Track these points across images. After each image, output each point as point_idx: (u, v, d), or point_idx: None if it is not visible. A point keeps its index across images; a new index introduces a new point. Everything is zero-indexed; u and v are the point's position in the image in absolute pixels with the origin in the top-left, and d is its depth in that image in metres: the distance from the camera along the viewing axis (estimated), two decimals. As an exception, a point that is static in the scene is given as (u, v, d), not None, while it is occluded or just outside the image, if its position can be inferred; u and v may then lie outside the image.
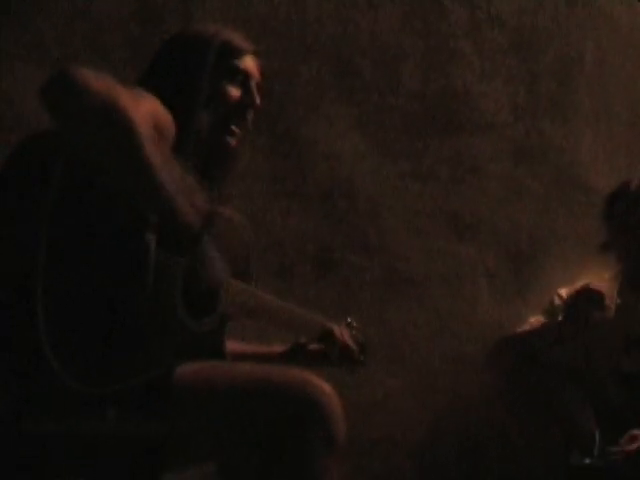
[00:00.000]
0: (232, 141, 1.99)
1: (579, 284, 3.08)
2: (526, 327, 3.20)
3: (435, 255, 3.33)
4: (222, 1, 3.10)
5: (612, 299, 3.00)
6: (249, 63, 2.05)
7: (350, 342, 2.33)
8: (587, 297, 2.93)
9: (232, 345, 2.08)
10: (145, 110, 1.63)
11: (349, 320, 2.43)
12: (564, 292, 3.14)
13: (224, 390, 1.74)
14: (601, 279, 3.12)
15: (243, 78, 2.02)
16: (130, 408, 1.65)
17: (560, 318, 3.05)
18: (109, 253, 1.61)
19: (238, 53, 2.03)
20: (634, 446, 2.79)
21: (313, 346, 2.30)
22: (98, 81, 1.57)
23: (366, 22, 3.31)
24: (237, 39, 2.05)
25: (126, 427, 1.66)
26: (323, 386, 1.78)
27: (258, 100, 2.03)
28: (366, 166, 3.27)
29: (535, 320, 3.20)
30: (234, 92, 1.99)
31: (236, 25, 3.06)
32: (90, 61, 2.77)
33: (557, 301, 3.14)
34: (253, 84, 2.04)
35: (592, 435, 2.88)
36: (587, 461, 2.85)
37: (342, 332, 2.32)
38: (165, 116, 1.75)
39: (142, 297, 1.63)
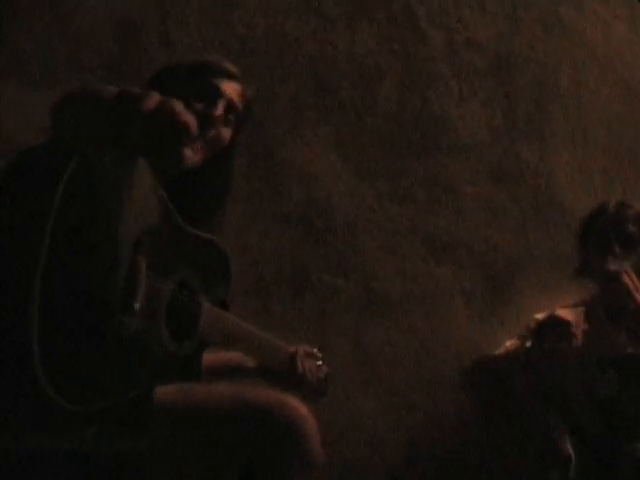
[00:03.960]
0: (187, 151, 1.98)
1: (553, 310, 3.09)
2: (501, 351, 3.22)
3: (411, 276, 3.34)
4: (201, 21, 3.11)
5: (579, 326, 3.00)
6: (224, 83, 2.06)
7: (309, 374, 2.33)
8: (552, 327, 2.93)
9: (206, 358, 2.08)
10: None
11: (314, 350, 2.44)
12: (541, 317, 3.15)
13: (202, 411, 1.75)
14: (575, 302, 3.13)
15: (213, 96, 2.03)
16: (110, 426, 1.64)
17: (528, 344, 3.07)
18: (100, 273, 1.61)
19: (215, 73, 2.04)
20: None
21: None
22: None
23: (344, 43, 3.33)
24: (218, 62, 2.07)
25: (105, 445, 1.65)
26: (300, 408, 1.79)
27: (218, 112, 2.03)
28: (343, 187, 3.27)
29: (510, 344, 3.22)
30: (198, 106, 1.99)
31: (214, 45, 3.10)
32: (70, 79, 2.79)
33: (533, 326, 3.16)
34: (221, 100, 2.05)
35: (569, 456, 2.89)
36: (562, 482, 2.86)
37: (303, 362, 2.32)
38: None
39: (130, 318, 1.63)
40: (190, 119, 1.41)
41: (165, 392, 1.75)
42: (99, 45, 2.95)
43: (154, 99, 1.39)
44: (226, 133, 2.09)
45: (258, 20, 3.19)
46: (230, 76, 2.09)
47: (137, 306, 1.65)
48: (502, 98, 3.57)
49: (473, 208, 3.46)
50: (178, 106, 1.40)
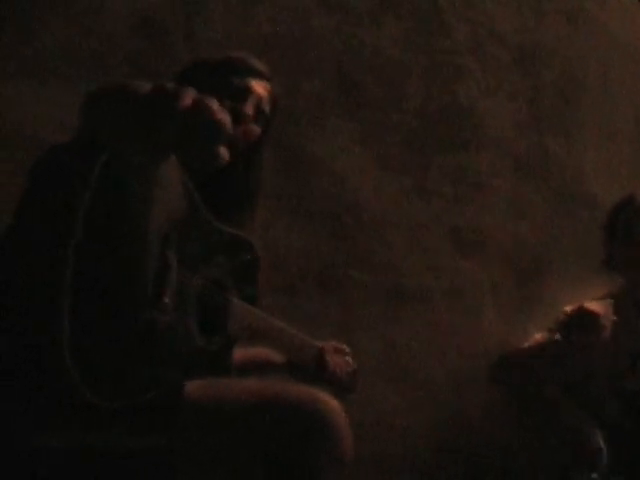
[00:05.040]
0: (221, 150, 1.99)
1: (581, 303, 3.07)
2: (529, 344, 3.19)
3: (439, 271, 3.33)
4: (225, 17, 3.10)
5: (609, 318, 2.98)
6: (254, 81, 2.07)
7: (338, 370, 2.33)
8: (580, 319, 2.91)
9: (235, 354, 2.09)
10: None
11: (343, 347, 2.44)
12: (569, 310, 3.13)
13: (232, 406, 1.75)
14: (603, 295, 3.11)
15: (243, 94, 2.04)
16: (140, 423, 1.65)
17: (557, 337, 3.04)
18: (130, 268, 1.61)
19: (244, 71, 2.05)
20: None
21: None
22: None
23: (369, 38, 3.32)
24: (247, 59, 2.07)
25: (134, 441, 1.66)
26: (331, 403, 1.78)
27: (248, 110, 2.04)
28: (369, 182, 3.26)
29: (540, 337, 3.19)
30: (228, 104, 1.99)
31: (239, 41, 3.09)
32: (93, 76, 2.79)
33: (561, 318, 3.13)
34: (251, 98, 2.05)
35: (599, 449, 2.87)
36: (594, 476, 2.84)
37: (332, 358, 2.32)
38: None
39: (160, 313, 1.63)
40: (226, 117, 1.40)
41: (194, 387, 1.75)
42: (123, 42, 2.95)
43: (190, 96, 1.38)
44: (255, 131, 2.10)
45: (283, 16, 3.18)
46: (259, 74, 2.10)
47: (167, 301, 1.65)
48: (528, 91, 3.56)
49: (500, 202, 3.45)
50: (214, 104, 1.39)
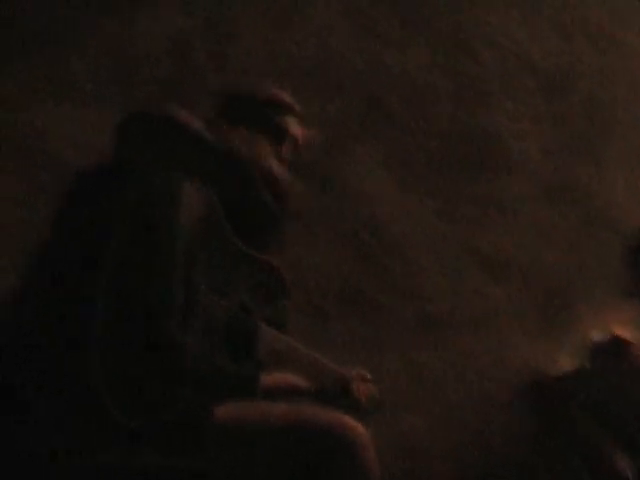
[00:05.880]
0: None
1: (611, 330, 3.05)
2: (556, 370, 3.18)
3: (464, 295, 3.31)
4: (253, 41, 3.12)
5: (638, 346, 2.97)
6: (292, 124, 2.10)
7: (364, 399, 2.33)
8: (611, 346, 2.90)
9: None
10: None
11: (366, 374, 2.43)
12: (597, 336, 3.11)
13: (259, 430, 1.76)
14: (629, 321, 3.10)
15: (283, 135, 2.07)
16: (169, 444, 1.66)
17: (588, 364, 3.03)
18: (157, 291, 1.62)
19: (283, 111, 2.08)
20: None
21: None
22: None
23: (395, 60, 3.33)
24: (285, 99, 2.10)
25: (162, 463, 1.67)
26: (357, 428, 1.79)
27: (285, 154, 2.07)
28: (395, 205, 3.26)
29: (566, 364, 3.18)
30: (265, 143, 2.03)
31: (266, 65, 3.11)
32: (124, 101, 2.82)
33: (589, 345, 3.12)
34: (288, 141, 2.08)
35: (627, 477, 2.85)
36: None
37: (359, 387, 2.32)
38: None
39: (188, 337, 1.64)
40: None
41: (223, 410, 1.76)
42: (153, 66, 2.98)
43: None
44: (284, 170, 2.12)
45: (309, 39, 3.20)
46: (296, 115, 2.13)
47: (194, 324, 1.66)
48: (554, 116, 3.55)
49: (526, 227, 3.44)
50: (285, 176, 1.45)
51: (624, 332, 2.89)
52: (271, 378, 2.21)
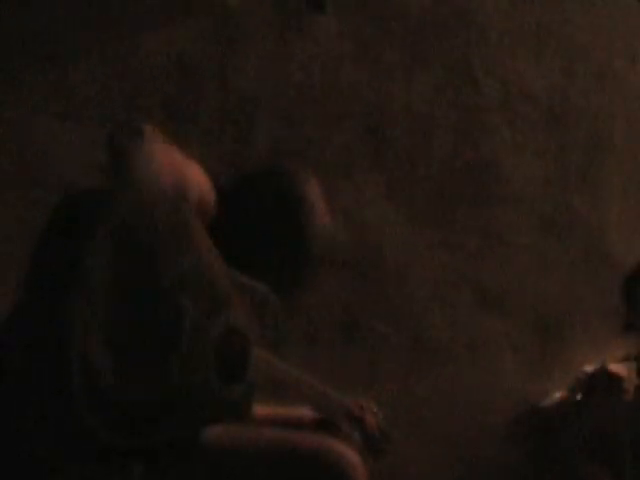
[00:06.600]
0: None
1: (604, 363, 3.06)
2: (549, 402, 3.19)
3: (460, 325, 3.32)
4: (258, 66, 3.14)
5: (631, 381, 2.97)
6: None
7: (377, 432, 2.30)
8: (603, 381, 2.91)
9: (261, 410, 2.08)
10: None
11: (372, 405, 2.41)
12: (589, 370, 3.12)
13: (250, 454, 1.75)
14: (623, 356, 3.10)
15: None
16: (157, 466, 1.65)
17: (579, 397, 3.04)
18: (146, 315, 1.62)
19: None
20: None
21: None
22: None
23: (399, 91, 3.34)
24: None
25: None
26: (348, 454, 1.78)
27: None
28: (394, 234, 3.28)
29: (559, 396, 3.19)
30: None
31: (270, 91, 3.13)
32: (124, 117, 2.83)
33: (582, 378, 3.13)
34: None
35: None
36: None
37: (370, 419, 2.29)
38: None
39: (176, 360, 1.64)
40: None
41: (213, 434, 1.75)
42: (156, 85, 2.99)
43: None
44: None
45: (314, 67, 3.22)
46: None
47: (184, 348, 1.66)
48: (555, 149, 3.57)
49: (523, 259, 3.45)
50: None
51: (616, 366, 2.90)
52: (275, 411, 2.21)
